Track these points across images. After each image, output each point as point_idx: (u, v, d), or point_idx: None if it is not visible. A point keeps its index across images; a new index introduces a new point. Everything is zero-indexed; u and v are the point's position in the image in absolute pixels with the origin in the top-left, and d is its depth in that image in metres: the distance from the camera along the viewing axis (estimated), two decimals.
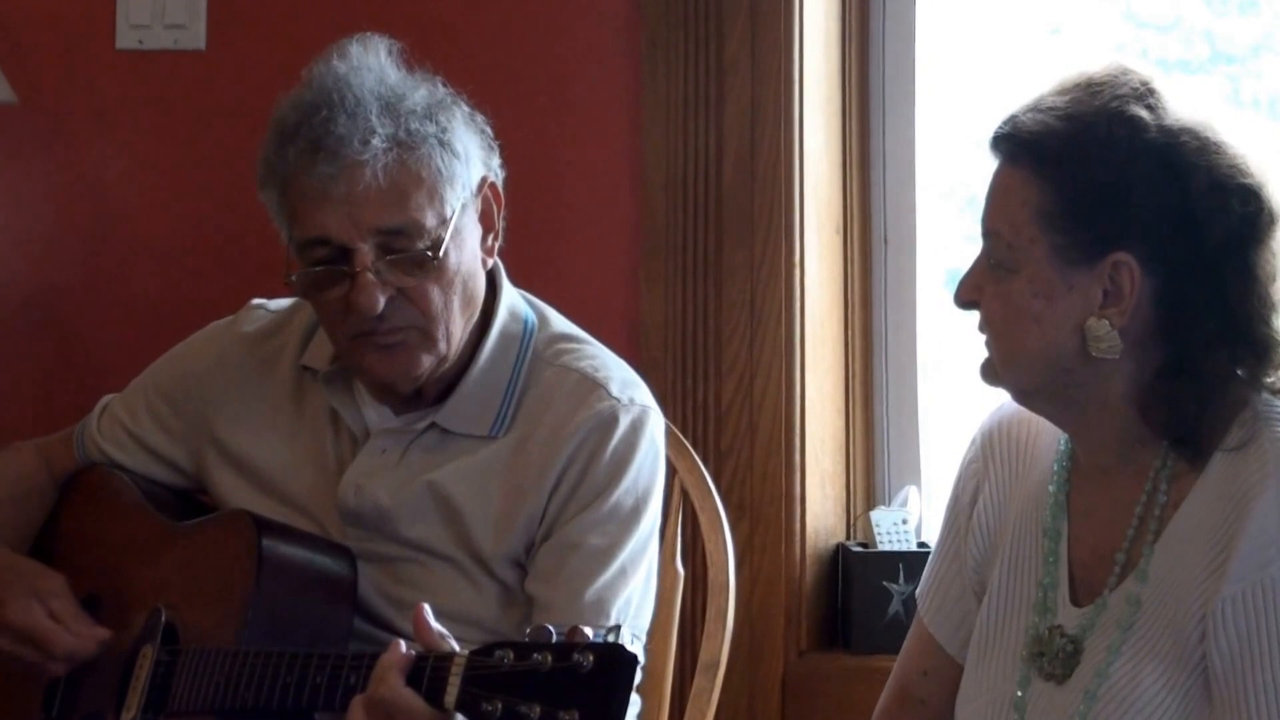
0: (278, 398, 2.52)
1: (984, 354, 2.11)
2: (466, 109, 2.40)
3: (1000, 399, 2.22)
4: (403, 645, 2.05)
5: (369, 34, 2.42)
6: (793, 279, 3.04)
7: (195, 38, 3.26)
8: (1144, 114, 2.01)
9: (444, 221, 2.34)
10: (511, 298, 2.49)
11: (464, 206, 2.37)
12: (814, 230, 3.07)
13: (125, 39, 3.28)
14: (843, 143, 3.15)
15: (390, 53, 2.39)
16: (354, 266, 2.31)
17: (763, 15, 3.04)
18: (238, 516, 2.41)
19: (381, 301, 2.31)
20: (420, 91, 2.37)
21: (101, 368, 2.82)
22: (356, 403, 2.48)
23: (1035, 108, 2.05)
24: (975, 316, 2.10)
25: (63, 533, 2.61)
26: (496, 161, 2.43)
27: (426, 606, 2.07)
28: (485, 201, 2.42)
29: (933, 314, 3.16)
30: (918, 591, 2.30)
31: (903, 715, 2.28)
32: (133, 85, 3.30)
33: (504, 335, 2.46)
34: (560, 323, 2.53)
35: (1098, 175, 2.01)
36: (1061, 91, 2.05)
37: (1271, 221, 2.01)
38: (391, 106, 2.33)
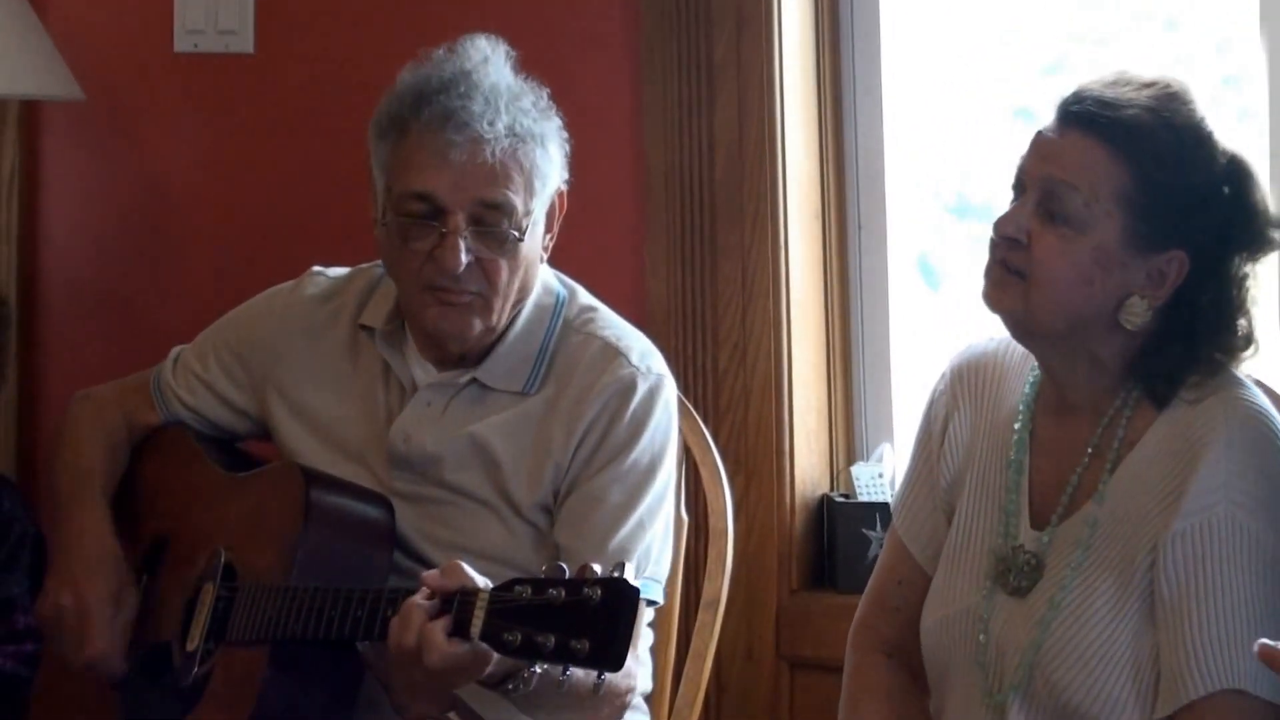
0: (335, 353, 2.66)
1: (995, 279, 2.20)
2: (560, 121, 2.55)
3: (965, 340, 2.40)
4: (426, 590, 2.18)
5: (489, 34, 2.56)
6: (778, 259, 3.18)
7: (245, 42, 3.41)
8: (1216, 134, 2.18)
9: (529, 211, 2.50)
10: (546, 276, 2.64)
11: (543, 204, 2.54)
12: (795, 216, 3.20)
13: (182, 43, 3.44)
14: (819, 139, 3.26)
15: (507, 57, 2.55)
16: (446, 226, 2.46)
17: (747, 25, 3.17)
18: (289, 469, 2.55)
19: (464, 263, 2.47)
20: (534, 97, 2.53)
21: (161, 343, 2.83)
22: (406, 359, 2.61)
23: (1130, 103, 2.16)
24: (990, 253, 2.23)
25: (138, 481, 2.73)
26: (567, 174, 2.58)
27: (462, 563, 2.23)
28: (554, 206, 2.58)
29: (902, 292, 3.28)
30: (892, 507, 2.43)
31: (880, 622, 2.42)
32: (189, 85, 3.47)
33: (538, 307, 2.60)
34: (586, 296, 2.67)
35: (1189, 181, 2.16)
36: (1141, 87, 2.18)
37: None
38: (513, 102, 2.50)
